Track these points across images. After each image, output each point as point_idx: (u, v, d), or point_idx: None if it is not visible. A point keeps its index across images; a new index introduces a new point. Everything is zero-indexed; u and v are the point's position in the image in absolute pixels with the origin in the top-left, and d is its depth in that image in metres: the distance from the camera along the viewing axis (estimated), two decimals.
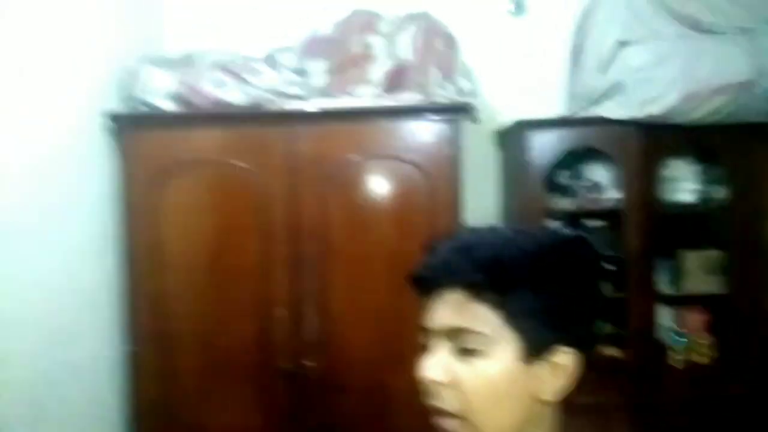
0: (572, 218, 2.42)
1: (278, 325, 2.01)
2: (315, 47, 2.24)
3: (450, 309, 0.68)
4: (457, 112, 1.99)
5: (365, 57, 2.16)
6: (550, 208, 2.27)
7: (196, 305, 2.04)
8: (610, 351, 2.33)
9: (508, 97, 2.50)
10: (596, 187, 2.30)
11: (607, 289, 2.31)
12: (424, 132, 1.99)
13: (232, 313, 2.04)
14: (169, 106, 2.03)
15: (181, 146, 2.02)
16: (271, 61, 2.23)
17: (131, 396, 2.07)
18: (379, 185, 2.01)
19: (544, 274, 0.67)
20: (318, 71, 2.20)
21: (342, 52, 2.21)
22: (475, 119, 2.09)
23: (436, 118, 1.99)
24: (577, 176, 2.39)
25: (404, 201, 2.00)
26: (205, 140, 2.02)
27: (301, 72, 2.21)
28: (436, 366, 0.67)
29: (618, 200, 2.25)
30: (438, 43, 2.08)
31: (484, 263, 0.66)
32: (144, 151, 2.02)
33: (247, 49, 2.32)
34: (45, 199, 1.72)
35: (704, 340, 2.34)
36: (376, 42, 2.18)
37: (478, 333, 0.66)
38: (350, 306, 2.01)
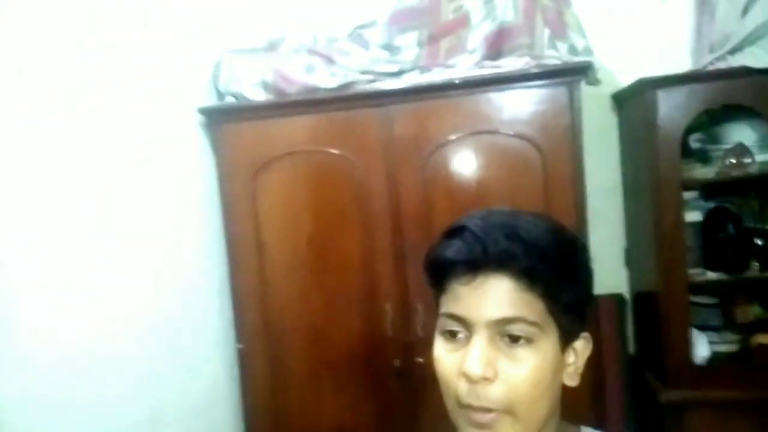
0: (713, 188, 2.09)
1: (386, 320, 1.88)
2: (403, 18, 2.07)
3: (497, 298, 0.63)
4: (573, 74, 1.74)
5: (460, 22, 1.97)
6: (687, 177, 1.95)
7: (301, 300, 1.96)
8: (762, 339, 1.99)
9: (626, 54, 2.19)
10: (741, 149, 1.96)
11: (754, 267, 1.99)
12: (535, 100, 1.77)
13: (337, 308, 1.94)
14: (259, 95, 1.95)
15: (275, 136, 1.93)
16: (357, 38, 2.09)
17: (244, 393, 2.03)
18: (485, 164, 1.82)
19: (580, 263, 0.68)
20: (409, 44, 2.03)
21: (433, 21, 2.03)
22: (593, 81, 1.83)
23: (548, 83, 1.75)
24: (716, 140, 2.06)
25: (516, 180, 1.79)
26: (298, 128, 1.92)
27: (390, 47, 2.05)
28: (483, 361, 0.62)
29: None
30: None
31: (542, 251, 0.63)
32: (238, 143, 1.96)
33: (329, 29, 2.19)
34: (147, 201, 1.69)
35: None
36: (471, 5, 1.98)
37: (531, 322, 0.63)
38: None
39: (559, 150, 1.75)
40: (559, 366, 0.66)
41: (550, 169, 1.76)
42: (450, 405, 0.68)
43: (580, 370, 0.70)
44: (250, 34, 2.29)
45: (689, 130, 1.98)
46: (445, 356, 0.67)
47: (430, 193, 1.84)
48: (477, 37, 1.89)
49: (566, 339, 0.67)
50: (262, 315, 2.00)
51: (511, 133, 1.78)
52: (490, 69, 1.83)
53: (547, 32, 1.79)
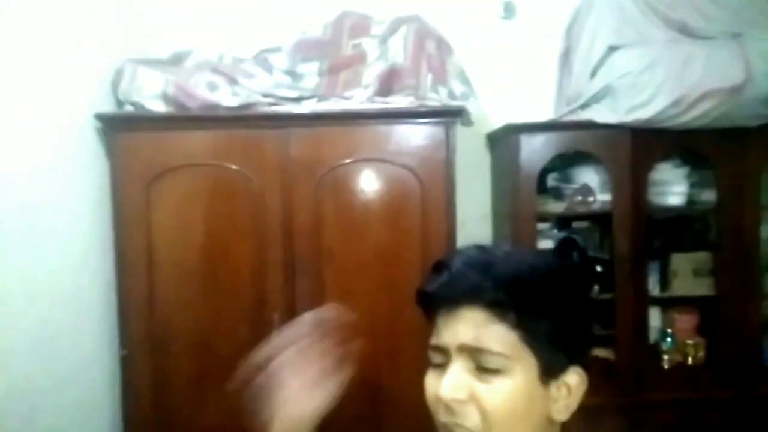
0: (562, 221, 2.44)
1: (273, 329, 1.98)
2: (306, 49, 2.23)
3: (469, 327, 0.67)
4: (450, 115, 1.99)
5: (357, 59, 2.16)
6: (541, 211, 2.28)
7: (189, 309, 2.02)
8: (600, 352, 2.35)
9: (500, 101, 2.51)
10: (586, 190, 2.32)
11: (595, 290, 2.34)
12: (417, 135, 1.99)
13: (226, 317, 2.01)
14: (159, 106, 2.00)
15: (172, 148, 1.99)
16: (261, 61, 2.22)
17: (124, 401, 2.03)
18: (372, 188, 2.01)
19: (560, 296, 0.69)
20: (310, 72, 2.19)
21: (334, 54, 2.20)
22: (467, 123, 2.09)
23: (429, 121, 1.99)
24: (567, 179, 2.41)
25: (397, 204, 2.00)
26: (197, 142, 2.00)
27: (293, 74, 2.20)
28: (456, 385, 0.66)
29: (607, 203, 2.27)
30: (430, 46, 2.08)
31: (508, 283, 0.66)
32: (134, 152, 1.99)
33: (236, 48, 2.30)
34: (35, 203, 1.68)
35: (693, 341, 2.36)
36: (368, 44, 2.18)
37: (499, 353, 0.66)
38: (345, 309, 2.00)
39: (435, 181, 1.98)
40: (539, 397, 0.67)
41: (428, 197, 1.98)
42: (437, 428, 0.71)
43: (573, 407, 0.70)
44: (156, 45, 2.35)
45: (548, 169, 2.32)
46: (429, 383, 0.71)
47: (321, 211, 2.00)
48: (371, 73, 2.09)
49: (549, 371, 0.68)
50: (148, 323, 2.02)
51: (396, 162, 1.99)
52: (380, 104, 2.03)
53: (430, 77, 2.03)
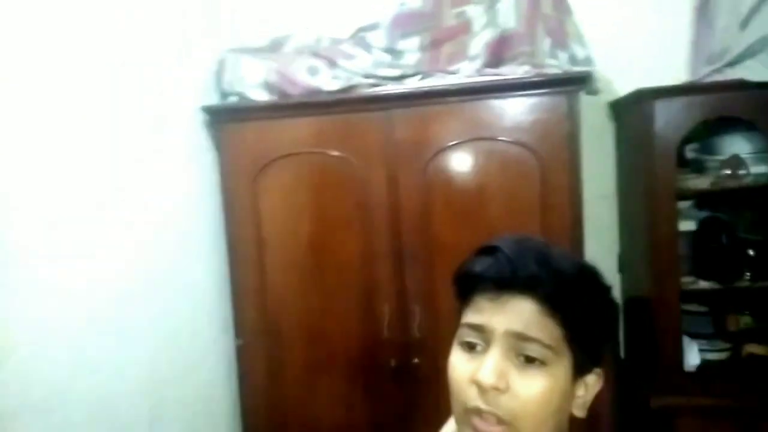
0: (705, 198, 2.12)
1: (383, 321, 1.91)
2: (405, 23, 2.09)
3: (518, 315, 0.65)
4: (573, 83, 1.77)
5: (462, 29, 1.99)
6: (682, 187, 1.99)
7: (300, 299, 1.99)
8: (756, 349, 2.03)
9: (623, 64, 2.22)
10: (735, 161, 1.99)
11: (746, 277, 2.02)
12: (534, 108, 1.79)
13: (336, 307, 1.97)
14: (262, 95, 1.97)
15: (276, 137, 1.95)
16: (359, 41, 2.11)
17: (241, 389, 2.06)
18: (484, 170, 1.84)
19: (603, 301, 0.70)
20: (411, 48, 2.05)
21: (435, 26, 2.05)
22: (592, 91, 1.85)
23: (548, 91, 1.78)
24: (710, 150, 2.09)
25: (514, 186, 1.82)
26: (300, 129, 1.94)
27: (392, 51, 2.07)
28: (496, 371, 0.65)
29: (763, 175, 1.94)
30: (546, 6, 1.86)
31: (567, 280, 0.65)
32: (240, 143, 1.98)
33: (333, 29, 2.21)
34: (151, 199, 1.71)
35: None
36: (473, 11, 2.00)
37: (546, 345, 0.65)
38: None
39: (557, 158, 1.77)
40: (569, 394, 0.68)
41: (548, 177, 1.79)
42: (457, 412, 0.70)
43: (589, 404, 0.71)
44: (253, 33, 2.31)
45: (685, 140, 2.02)
46: (460, 364, 0.69)
47: (430, 197, 1.87)
48: (478, 43, 1.91)
49: (579, 370, 0.68)
50: (261, 312, 2.02)
51: (510, 140, 1.81)
52: (491, 76, 1.85)
53: (548, 41, 1.82)
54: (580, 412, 0.71)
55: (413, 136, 1.86)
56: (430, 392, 1.92)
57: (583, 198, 1.90)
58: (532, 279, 0.65)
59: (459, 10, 2.03)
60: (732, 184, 1.99)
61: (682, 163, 2.06)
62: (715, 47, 2.03)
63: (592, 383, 0.71)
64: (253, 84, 1.96)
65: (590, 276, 0.69)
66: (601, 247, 2.28)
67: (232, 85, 1.99)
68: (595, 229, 2.21)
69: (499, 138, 1.82)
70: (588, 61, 1.87)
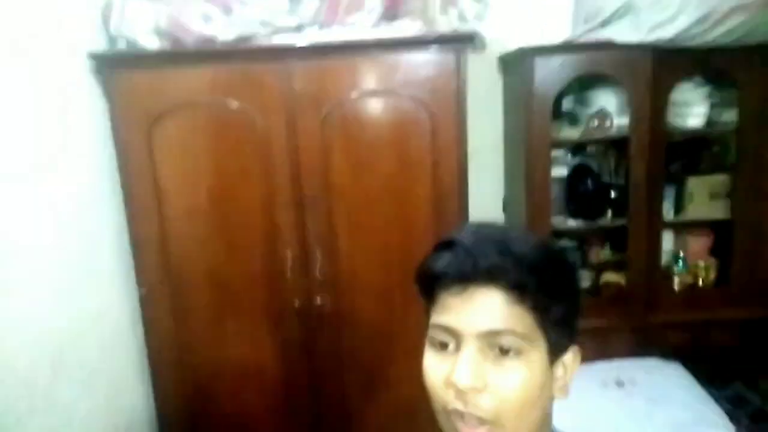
0: (577, 146, 2.37)
1: (286, 264, 2.01)
2: None
3: (487, 311, 0.64)
4: (461, 41, 1.88)
5: None
6: (556, 137, 2.21)
7: (202, 247, 2.03)
8: (612, 277, 2.37)
9: (514, 21, 2.36)
10: (603, 114, 2.23)
11: (608, 216, 2.32)
12: (426, 64, 1.89)
13: (239, 253, 2.03)
14: (153, 42, 1.90)
15: (171, 87, 1.91)
16: None
17: (147, 338, 2.10)
18: (379, 122, 1.94)
19: (570, 278, 0.71)
20: None
21: None
22: (480, 47, 1.97)
23: (438, 48, 1.88)
24: (583, 103, 2.32)
25: (406, 137, 1.94)
26: (196, 79, 1.91)
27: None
28: (471, 371, 0.63)
29: (624, 127, 2.19)
30: None
31: (530, 264, 0.64)
32: (132, 92, 1.91)
33: None
34: (37, 147, 1.65)
35: (705, 263, 2.36)
36: None
37: (520, 334, 0.64)
38: (356, 243, 2.01)
39: (445, 112, 1.90)
40: (548, 379, 0.67)
41: (438, 130, 1.92)
42: (438, 412, 0.68)
43: (569, 384, 0.70)
44: None
45: (562, 94, 2.22)
46: (433, 366, 0.67)
47: (328, 146, 1.95)
48: None
49: (555, 352, 0.67)
50: (164, 261, 2.04)
51: (404, 94, 1.90)
52: (385, 32, 1.91)
53: None
54: (562, 394, 0.70)
55: (312, 88, 1.91)
56: (332, 329, 2.08)
57: (475, 147, 2.06)
58: (494, 269, 0.63)
59: None
60: (599, 134, 2.24)
61: (559, 115, 2.28)
62: (591, 7, 2.21)
63: (570, 362, 0.70)
64: (143, 29, 1.88)
65: (553, 256, 0.68)
66: (490, 190, 2.51)
67: (121, 30, 1.90)
68: (485, 175, 2.43)
69: (393, 92, 1.91)
70: (478, 17, 1.97)
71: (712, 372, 2.21)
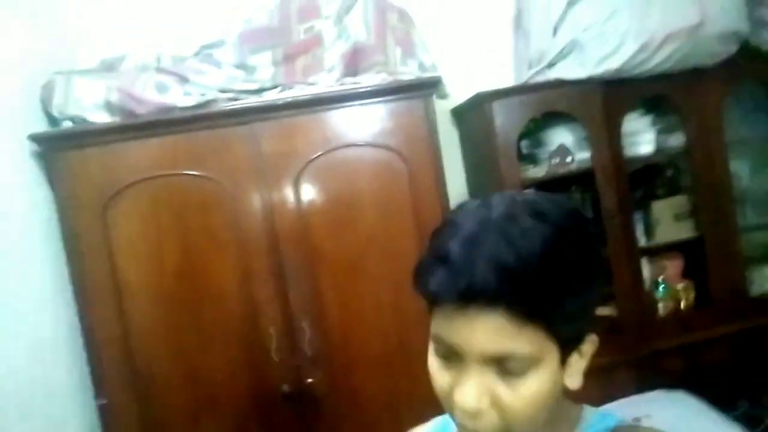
0: (544, 186, 2.39)
1: (271, 344, 1.80)
2: (253, 39, 2.04)
3: (489, 333, 0.58)
4: (426, 87, 1.88)
5: (314, 42, 2.01)
6: (522, 177, 2.21)
7: (172, 340, 1.79)
8: (603, 311, 2.32)
9: (457, 74, 2.43)
10: (563, 150, 2.28)
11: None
12: (395, 113, 1.87)
13: (216, 340, 1.81)
14: (103, 117, 1.76)
15: (126, 162, 1.76)
16: (206, 58, 2.01)
17: None
18: (356, 175, 1.86)
19: (586, 258, 0.61)
20: (264, 64, 2.01)
21: (285, 41, 2.04)
22: (442, 95, 1.99)
23: (405, 96, 1.86)
24: (541, 144, 2.37)
25: (385, 188, 1.87)
26: (153, 151, 1.77)
27: (244, 67, 2.01)
28: (476, 393, 0.59)
29: (586, 160, 2.24)
30: (392, 19, 1.96)
31: (535, 278, 0.56)
32: (82, 173, 1.74)
33: (173, 48, 2.09)
34: None
35: (683, 285, 2.38)
36: (322, 25, 2.03)
37: (527, 354, 0.59)
38: (346, 309, 1.85)
39: (421, 158, 1.86)
40: (559, 378, 0.63)
41: (415, 176, 1.86)
42: (447, 411, 0.65)
43: (583, 370, 0.66)
44: (81, 55, 2.09)
45: (521, 136, 2.26)
46: (438, 372, 0.64)
47: (305, 208, 1.83)
48: (333, 55, 1.95)
49: (569, 349, 0.63)
50: (126, 362, 1.78)
51: (377, 144, 1.85)
52: (350, 85, 1.89)
53: (398, 50, 1.91)
54: (574, 384, 0.65)
55: (280, 148, 1.82)
56: (330, 413, 1.86)
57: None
58: (493, 294, 0.56)
59: (307, 25, 2.05)
60: (562, 170, 2.27)
61: (519, 157, 2.31)
62: (533, 53, 2.31)
63: (588, 349, 0.66)
64: (91, 105, 1.75)
65: (560, 245, 0.59)
66: None
67: (66, 109, 1.75)
68: None
69: (367, 143, 1.85)
70: (434, 67, 2.01)
71: (714, 394, 2.16)
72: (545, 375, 0.60)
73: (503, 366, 0.59)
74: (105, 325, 1.77)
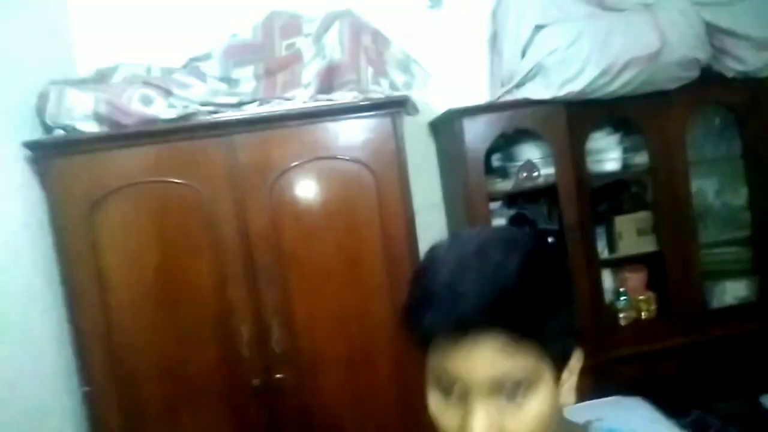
0: (511, 198, 2.51)
1: (242, 341, 1.94)
2: (238, 53, 2.18)
3: (488, 358, 0.60)
4: (394, 106, 2.00)
5: (294, 59, 2.14)
6: (491, 190, 2.34)
7: (151, 333, 1.93)
8: None
9: (437, 89, 2.54)
10: (530, 165, 2.40)
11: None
12: (365, 129, 1.99)
13: (191, 336, 1.94)
14: (92, 127, 1.90)
15: (112, 168, 1.90)
16: (192, 70, 2.16)
17: None
18: (326, 187, 1.99)
19: (562, 280, 0.66)
20: (246, 77, 2.15)
21: (268, 56, 2.17)
22: (412, 111, 2.11)
23: (375, 114, 1.99)
24: (511, 158, 2.48)
25: (353, 199, 2.00)
26: (137, 160, 1.91)
27: (228, 80, 2.15)
28: (487, 425, 0.61)
29: (551, 176, 2.36)
30: (366, 40, 2.08)
31: (525, 299, 0.60)
32: (71, 178, 1.88)
33: (163, 59, 2.23)
34: None
35: (644, 296, 2.50)
36: (303, 43, 2.16)
37: (527, 373, 0.62)
38: (314, 312, 1.98)
39: (388, 172, 1.99)
40: (556, 396, 0.66)
41: (383, 189, 1.99)
42: None
43: (575, 385, 0.69)
44: (77, 65, 2.24)
45: (491, 151, 2.38)
46: (442, 413, 0.65)
47: (277, 216, 1.96)
48: (310, 72, 2.08)
49: (561, 365, 0.66)
50: (109, 353, 1.92)
51: (347, 158, 1.98)
52: (324, 101, 2.02)
53: (370, 70, 2.04)
54: (569, 400, 0.68)
55: (256, 159, 1.95)
56: (297, 407, 1.99)
57: (416, 206, 2.14)
58: (486, 318, 0.59)
59: (289, 41, 2.18)
60: (528, 184, 2.40)
61: (490, 170, 2.43)
62: (504, 72, 2.44)
63: (575, 364, 0.69)
64: (81, 115, 1.89)
65: (543, 266, 0.64)
66: None
67: (58, 118, 1.89)
68: (428, 233, 2.48)
69: (337, 157, 1.98)
70: (407, 86, 2.13)
71: (668, 401, 2.27)
72: (544, 395, 0.63)
73: (505, 392, 0.61)
74: (90, 319, 1.91)
